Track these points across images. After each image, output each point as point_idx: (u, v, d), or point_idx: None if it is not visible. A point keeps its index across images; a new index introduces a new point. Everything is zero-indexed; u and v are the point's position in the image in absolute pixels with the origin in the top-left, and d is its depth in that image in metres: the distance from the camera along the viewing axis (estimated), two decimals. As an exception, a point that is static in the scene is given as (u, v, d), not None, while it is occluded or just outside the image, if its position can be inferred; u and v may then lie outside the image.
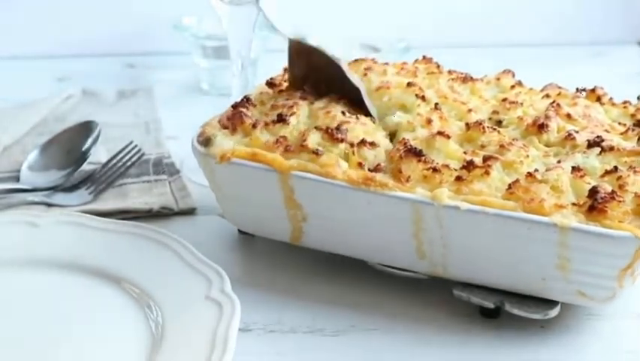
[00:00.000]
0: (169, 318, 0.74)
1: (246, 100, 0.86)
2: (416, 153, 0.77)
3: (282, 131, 0.81)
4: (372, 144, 0.80)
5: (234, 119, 0.83)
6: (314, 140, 0.80)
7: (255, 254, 0.87)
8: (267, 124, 0.82)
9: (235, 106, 0.85)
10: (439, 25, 1.38)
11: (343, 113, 0.83)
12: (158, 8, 1.34)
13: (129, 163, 0.99)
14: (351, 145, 0.79)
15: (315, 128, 0.81)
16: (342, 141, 0.79)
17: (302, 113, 0.84)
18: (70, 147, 1.00)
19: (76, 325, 0.75)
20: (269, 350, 0.75)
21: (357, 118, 0.83)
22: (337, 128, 0.80)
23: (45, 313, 0.76)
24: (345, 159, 0.79)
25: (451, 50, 1.27)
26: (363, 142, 0.80)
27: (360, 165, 0.78)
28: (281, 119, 0.82)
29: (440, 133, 0.80)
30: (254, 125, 0.82)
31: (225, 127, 0.83)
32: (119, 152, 1.00)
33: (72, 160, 0.99)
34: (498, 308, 0.77)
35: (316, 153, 0.79)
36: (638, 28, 1.44)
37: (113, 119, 1.13)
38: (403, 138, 0.80)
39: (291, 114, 0.83)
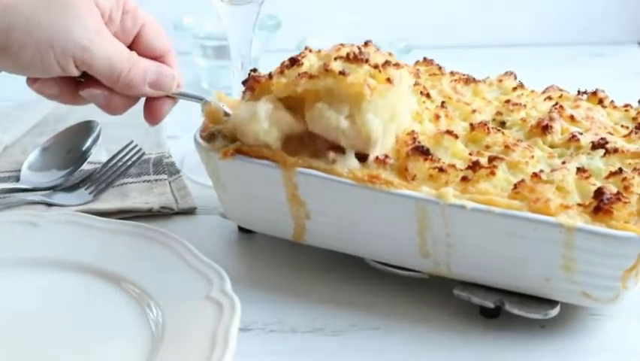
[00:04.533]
0: (169, 318, 0.74)
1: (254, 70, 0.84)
2: (423, 152, 0.77)
3: (298, 71, 0.79)
4: (397, 65, 0.79)
5: (250, 82, 0.81)
6: (337, 66, 0.78)
7: (256, 254, 0.87)
8: (281, 71, 0.80)
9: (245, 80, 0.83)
10: (439, 25, 1.38)
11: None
12: (158, 8, 1.33)
13: (129, 163, 0.99)
14: (375, 66, 0.78)
15: (335, 58, 0.79)
16: (366, 61, 0.78)
17: (313, 59, 0.82)
18: (70, 146, 1.00)
19: (76, 325, 0.75)
20: (269, 350, 0.75)
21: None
22: (359, 52, 0.79)
23: (45, 313, 0.76)
24: (372, 77, 0.77)
25: (451, 50, 1.27)
26: (387, 62, 0.79)
27: (388, 80, 0.77)
28: (294, 63, 0.80)
29: (449, 132, 0.79)
30: (270, 76, 0.80)
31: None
32: (119, 151, 1.00)
33: (72, 160, 0.99)
34: (498, 308, 0.77)
35: (343, 73, 0.77)
36: (638, 29, 1.44)
37: (113, 118, 1.12)
38: (413, 131, 0.79)
39: (303, 58, 0.81)
